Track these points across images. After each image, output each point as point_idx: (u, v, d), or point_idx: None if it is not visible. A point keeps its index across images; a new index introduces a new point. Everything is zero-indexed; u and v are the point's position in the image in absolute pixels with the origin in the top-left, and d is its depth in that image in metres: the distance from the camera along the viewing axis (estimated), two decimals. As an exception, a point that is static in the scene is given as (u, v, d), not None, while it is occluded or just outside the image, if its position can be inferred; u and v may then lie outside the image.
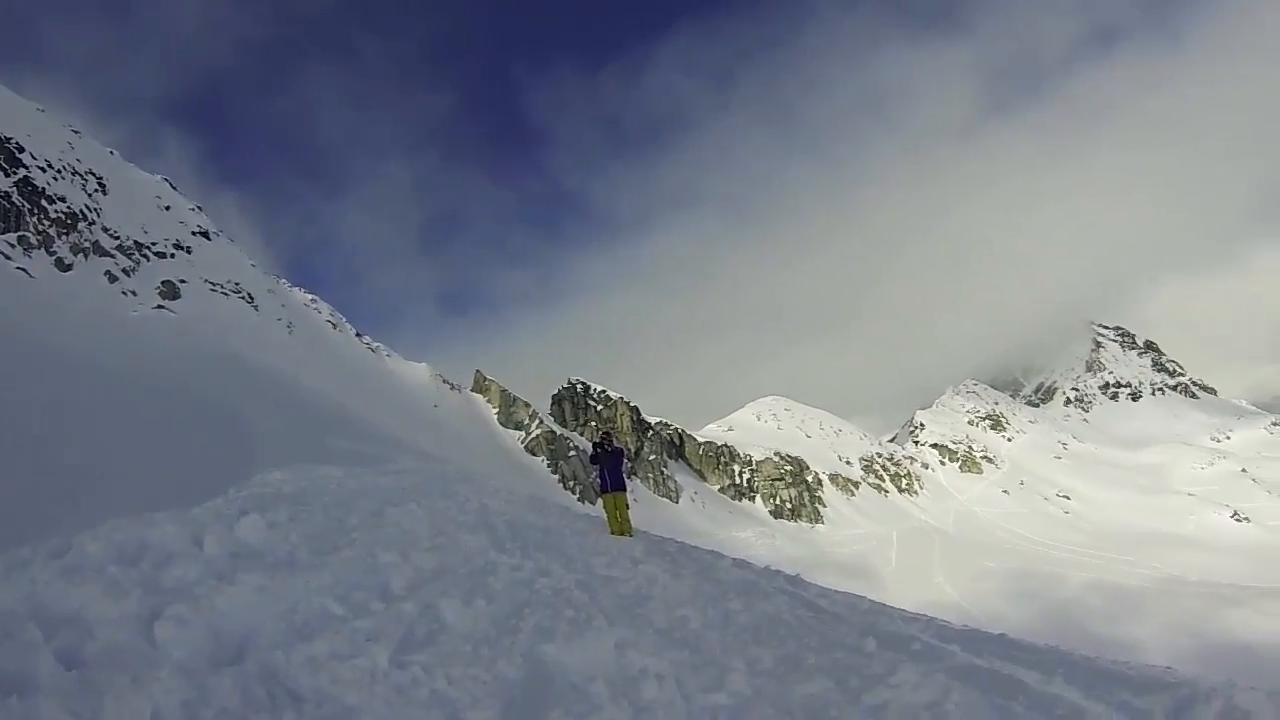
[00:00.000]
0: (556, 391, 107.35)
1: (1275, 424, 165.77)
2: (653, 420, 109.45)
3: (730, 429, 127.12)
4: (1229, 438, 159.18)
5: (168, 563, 6.42)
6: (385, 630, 6.12)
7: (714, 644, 7.43)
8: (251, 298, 76.68)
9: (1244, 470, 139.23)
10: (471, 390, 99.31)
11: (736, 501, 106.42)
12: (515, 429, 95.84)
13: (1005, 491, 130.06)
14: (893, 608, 16.79)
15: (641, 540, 15.67)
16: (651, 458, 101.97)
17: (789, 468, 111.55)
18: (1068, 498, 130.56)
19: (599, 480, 18.05)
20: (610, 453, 18.10)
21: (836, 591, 16.73)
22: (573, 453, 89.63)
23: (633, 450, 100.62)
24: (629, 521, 17.23)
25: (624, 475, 18.08)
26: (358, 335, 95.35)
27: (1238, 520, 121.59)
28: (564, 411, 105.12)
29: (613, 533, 16.40)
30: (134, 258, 71.54)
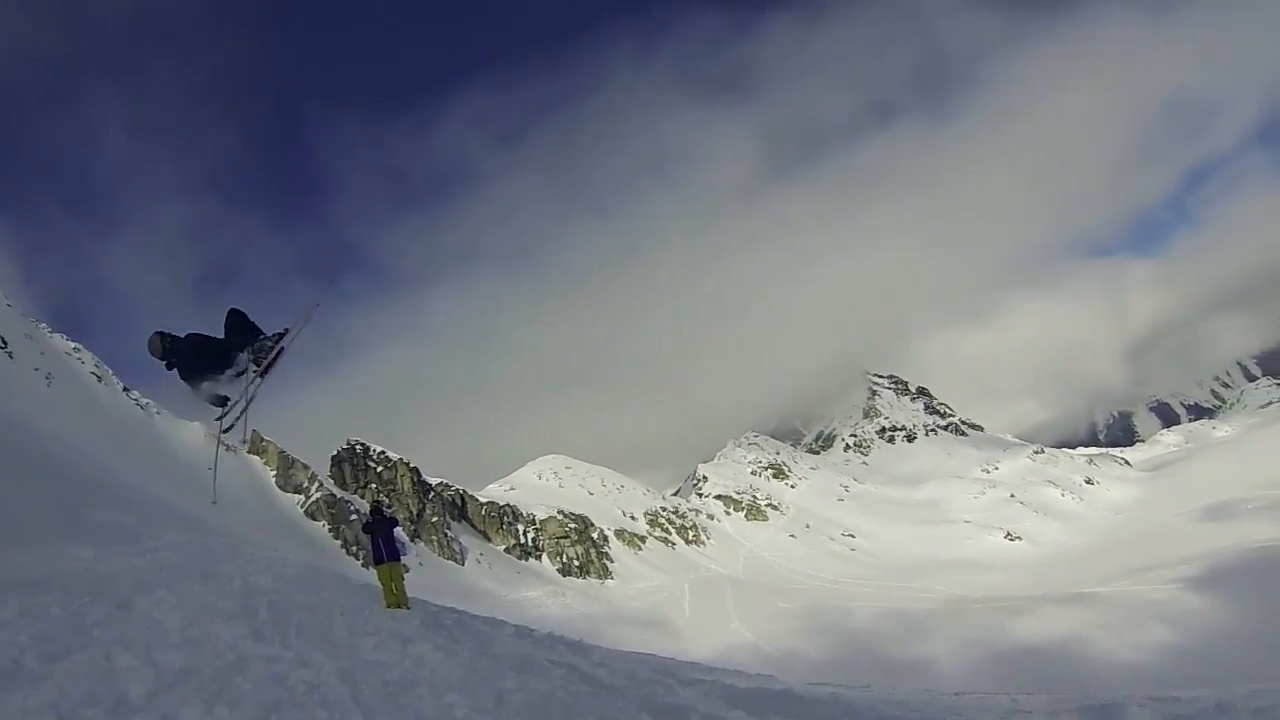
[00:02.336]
0: (336, 452, 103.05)
1: (1037, 453, 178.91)
2: (434, 481, 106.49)
3: (512, 488, 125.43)
4: (997, 468, 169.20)
5: None
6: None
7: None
8: (5, 343, 70.03)
9: (1013, 496, 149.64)
10: (248, 452, 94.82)
11: (523, 561, 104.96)
12: (294, 492, 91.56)
13: (792, 535, 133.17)
14: (682, 664, 16.89)
15: (418, 613, 15.19)
16: (434, 520, 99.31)
17: (573, 525, 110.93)
18: (853, 535, 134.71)
19: (372, 551, 17.46)
20: (383, 521, 17.59)
21: (621, 654, 16.71)
22: (354, 516, 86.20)
23: (414, 513, 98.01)
24: (404, 593, 16.73)
25: (398, 544, 17.49)
26: (125, 390, 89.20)
27: (1011, 540, 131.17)
28: (344, 473, 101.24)
29: (388, 606, 15.85)
30: None
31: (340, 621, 11.54)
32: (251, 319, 13.53)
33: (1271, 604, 61.86)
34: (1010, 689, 28.90)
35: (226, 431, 13.43)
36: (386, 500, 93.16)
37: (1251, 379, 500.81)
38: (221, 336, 13.30)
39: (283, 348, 13.44)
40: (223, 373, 13.24)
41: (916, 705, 10.28)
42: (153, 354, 12.44)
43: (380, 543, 17.24)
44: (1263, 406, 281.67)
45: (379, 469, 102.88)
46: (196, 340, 13.00)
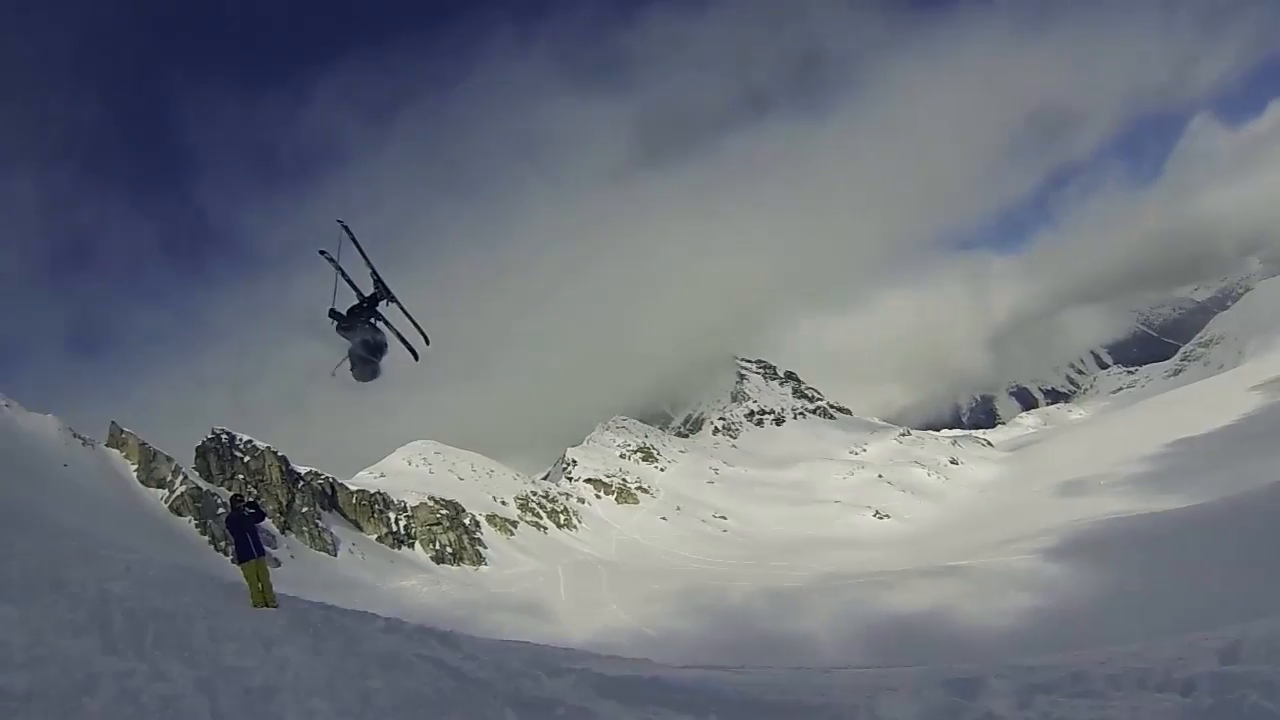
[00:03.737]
0: (200, 443, 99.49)
1: (903, 435, 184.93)
2: (303, 470, 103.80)
3: (382, 475, 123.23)
4: (865, 450, 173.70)
5: None
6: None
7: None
8: None
9: (880, 476, 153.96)
10: (107, 445, 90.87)
11: (396, 550, 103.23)
12: (158, 487, 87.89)
13: (663, 518, 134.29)
14: (554, 653, 16.88)
15: (285, 612, 14.80)
16: (304, 510, 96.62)
17: (445, 512, 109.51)
18: (724, 517, 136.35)
19: (235, 548, 16.75)
20: (247, 516, 17.00)
21: (492, 645, 16.59)
22: (221, 510, 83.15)
23: (284, 503, 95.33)
24: (271, 590, 16.14)
25: (263, 540, 16.94)
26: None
27: (880, 518, 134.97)
28: (209, 465, 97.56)
29: (254, 605, 15.35)
30: None
31: (201, 627, 11.08)
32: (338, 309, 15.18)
33: (1122, 571, 65.02)
34: (883, 660, 29.81)
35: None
36: (255, 492, 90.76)
37: (1104, 367, 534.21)
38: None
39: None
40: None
41: (785, 686, 10.44)
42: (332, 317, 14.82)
43: (244, 538, 16.50)
44: (1114, 392, 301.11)
45: (246, 459, 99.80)
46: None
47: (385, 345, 15.46)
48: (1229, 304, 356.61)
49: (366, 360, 15.46)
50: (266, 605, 15.47)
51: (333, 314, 15.16)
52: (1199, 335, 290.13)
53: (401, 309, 15.39)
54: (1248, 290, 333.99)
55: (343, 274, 15.18)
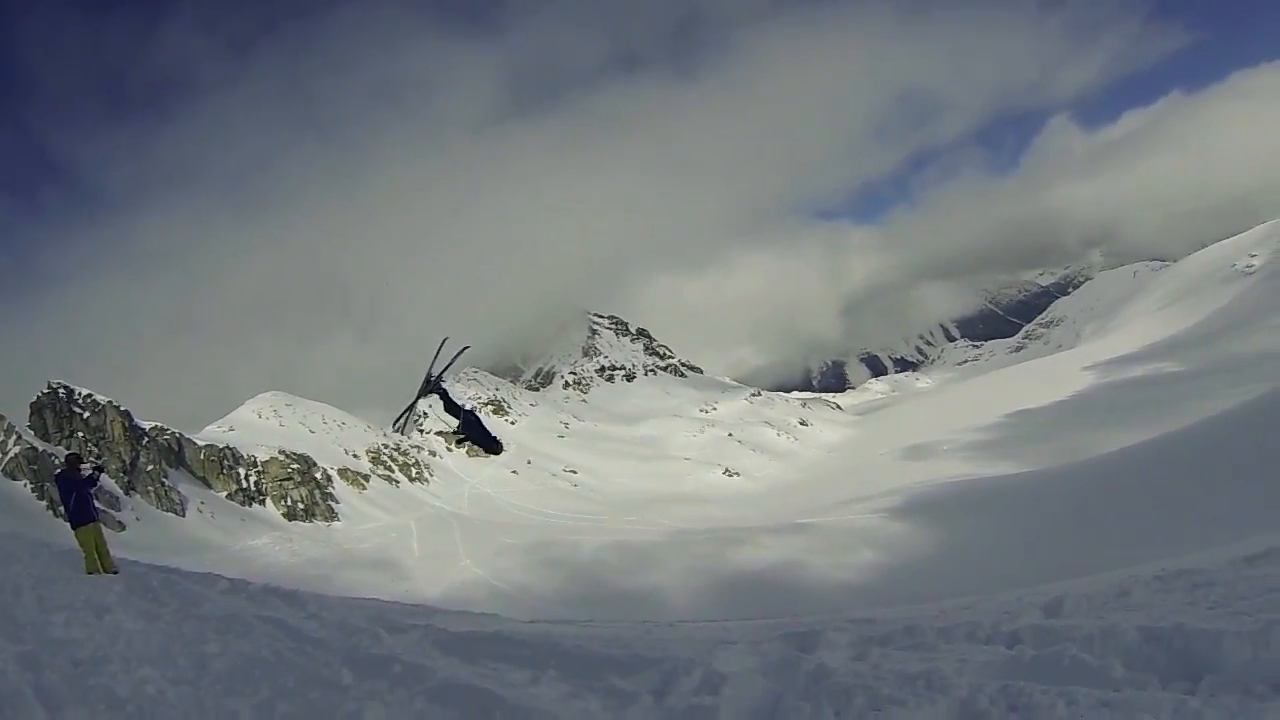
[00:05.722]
0: (36, 399, 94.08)
1: (754, 395, 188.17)
2: (148, 426, 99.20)
3: (231, 429, 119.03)
4: (716, 409, 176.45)
5: None
6: None
7: (176, 706, 6.86)
8: None
9: (730, 435, 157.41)
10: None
11: (247, 507, 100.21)
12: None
13: (514, 472, 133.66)
14: (399, 609, 16.78)
15: (123, 577, 14.25)
16: (150, 468, 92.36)
17: (296, 466, 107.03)
18: (575, 471, 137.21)
19: (67, 512, 15.81)
20: (80, 479, 16.21)
21: (337, 602, 16.40)
22: (60, 471, 79.09)
23: (128, 462, 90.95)
24: (108, 555, 15.37)
25: (105, 502, 16.25)
26: None
27: (730, 476, 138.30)
28: (46, 423, 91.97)
29: (89, 572, 14.74)
30: None
31: (30, 598, 10.69)
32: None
33: (960, 530, 68.27)
34: (732, 614, 30.49)
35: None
36: (96, 450, 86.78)
37: (952, 340, 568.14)
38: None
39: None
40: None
41: (627, 640, 10.59)
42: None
43: (77, 501, 15.63)
44: (959, 364, 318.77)
45: (86, 415, 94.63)
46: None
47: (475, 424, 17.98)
48: (1070, 290, 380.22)
49: (469, 440, 18.15)
50: (103, 571, 14.86)
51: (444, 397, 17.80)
52: (1041, 316, 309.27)
53: (478, 421, 17.98)
54: (1088, 280, 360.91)
55: (446, 398, 17.83)
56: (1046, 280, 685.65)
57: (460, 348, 18.61)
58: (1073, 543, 50.76)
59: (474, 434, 17.56)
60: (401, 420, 18.62)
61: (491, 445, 17.98)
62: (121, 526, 76.16)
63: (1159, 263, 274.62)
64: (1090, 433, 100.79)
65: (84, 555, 15.12)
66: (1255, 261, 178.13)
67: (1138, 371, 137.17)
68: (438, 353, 17.79)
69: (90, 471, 17.09)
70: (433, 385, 17.44)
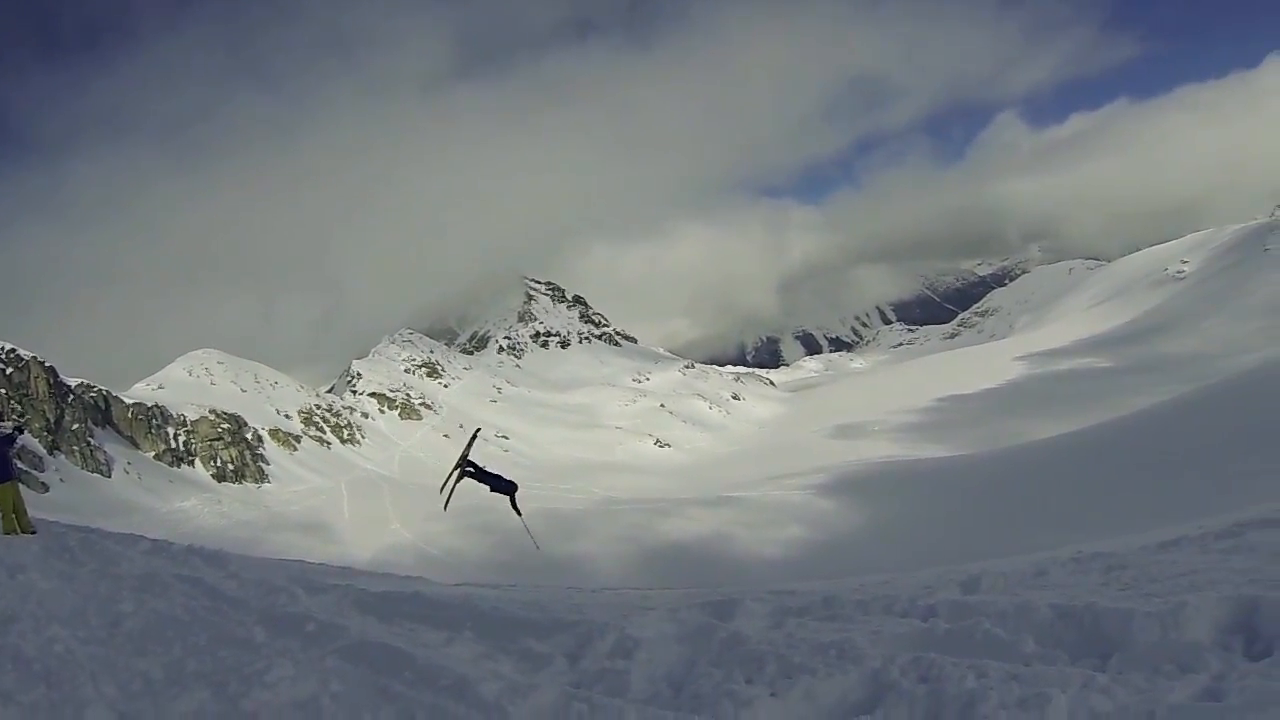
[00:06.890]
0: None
1: (687, 367, 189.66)
2: (73, 383, 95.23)
3: (160, 387, 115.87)
4: (649, 379, 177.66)
5: None
6: None
7: (84, 665, 6.76)
8: None
9: (663, 405, 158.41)
10: None
11: (175, 468, 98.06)
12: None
13: (446, 435, 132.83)
14: (321, 570, 16.70)
15: (42, 537, 14.00)
16: (75, 427, 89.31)
17: (226, 425, 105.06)
18: (506, 437, 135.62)
19: None
20: (0, 437, 15.81)
21: (258, 563, 16.23)
22: (-23, 426, 76.84)
23: (52, 420, 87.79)
24: (26, 515, 15.04)
25: (12, 462, 15.76)
26: None
27: (660, 447, 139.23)
28: None
29: (5, 533, 14.44)
30: None
31: (-54, 561, 10.44)
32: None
33: (886, 508, 69.51)
34: (659, 583, 30.72)
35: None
36: (19, 408, 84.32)
37: (887, 322, 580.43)
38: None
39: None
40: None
41: (546, 604, 10.61)
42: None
43: None
44: (894, 346, 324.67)
45: (8, 370, 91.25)
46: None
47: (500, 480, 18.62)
48: (1007, 282, 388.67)
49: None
50: (20, 532, 14.56)
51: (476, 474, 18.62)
52: (977, 305, 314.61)
53: (498, 476, 18.71)
54: (1025, 273, 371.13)
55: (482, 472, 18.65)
56: (984, 270, 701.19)
57: (474, 429, 21.80)
58: (996, 525, 51.86)
59: (500, 488, 18.51)
60: (446, 499, 18.95)
61: (512, 489, 18.74)
62: (45, 488, 74.50)
63: (1095, 261, 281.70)
64: (1018, 421, 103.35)
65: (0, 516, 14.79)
66: (1186, 268, 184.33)
67: (1068, 365, 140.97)
68: (470, 442, 19.36)
69: (10, 430, 16.72)
70: (465, 464, 18.45)
